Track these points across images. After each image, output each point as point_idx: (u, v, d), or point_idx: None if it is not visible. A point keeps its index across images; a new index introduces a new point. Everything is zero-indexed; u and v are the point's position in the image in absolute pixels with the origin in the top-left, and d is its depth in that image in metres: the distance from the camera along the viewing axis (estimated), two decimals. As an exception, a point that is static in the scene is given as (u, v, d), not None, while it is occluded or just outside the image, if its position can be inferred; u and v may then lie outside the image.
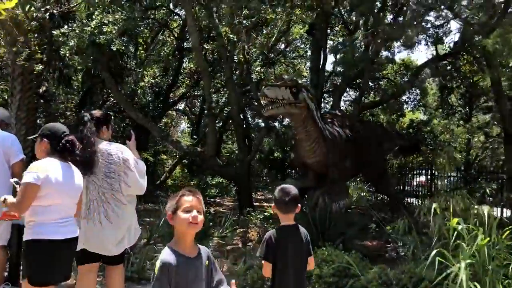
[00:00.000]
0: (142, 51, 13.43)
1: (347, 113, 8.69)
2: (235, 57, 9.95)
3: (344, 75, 11.44)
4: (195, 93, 17.15)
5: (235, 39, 8.97)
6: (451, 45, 12.64)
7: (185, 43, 13.63)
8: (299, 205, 2.62)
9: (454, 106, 13.70)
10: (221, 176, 9.91)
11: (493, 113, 12.12)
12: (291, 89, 6.26)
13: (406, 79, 15.00)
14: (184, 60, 14.22)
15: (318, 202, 6.55)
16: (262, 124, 12.92)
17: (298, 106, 6.28)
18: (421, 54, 46.68)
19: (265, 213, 8.27)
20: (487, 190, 12.12)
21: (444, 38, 13.96)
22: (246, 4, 8.42)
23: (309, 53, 14.86)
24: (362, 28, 11.52)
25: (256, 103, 10.83)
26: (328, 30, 12.07)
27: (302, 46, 16.41)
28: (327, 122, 7.11)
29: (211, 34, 11.39)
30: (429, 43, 14.60)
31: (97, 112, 3.46)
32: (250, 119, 14.99)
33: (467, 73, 13.09)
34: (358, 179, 12.37)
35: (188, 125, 21.76)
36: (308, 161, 6.94)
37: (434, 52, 15.53)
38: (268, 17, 10.44)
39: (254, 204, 9.78)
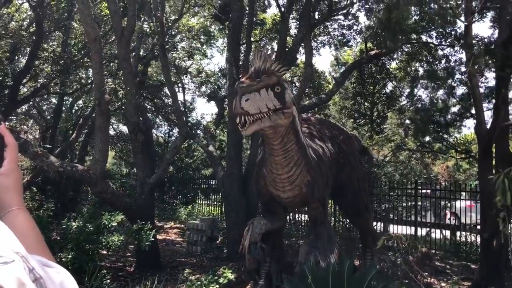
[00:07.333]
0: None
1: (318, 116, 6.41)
2: (142, 24, 6.83)
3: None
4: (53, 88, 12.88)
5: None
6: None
7: (47, 15, 9.72)
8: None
9: (366, 115, 12.82)
10: (113, 208, 6.61)
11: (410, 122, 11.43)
12: (273, 88, 3.71)
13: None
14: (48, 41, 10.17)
15: (308, 262, 4.15)
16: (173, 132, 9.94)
17: (286, 113, 3.76)
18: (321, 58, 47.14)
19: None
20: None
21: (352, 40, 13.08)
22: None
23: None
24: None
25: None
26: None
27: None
28: (304, 133, 4.78)
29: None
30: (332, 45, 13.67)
31: None
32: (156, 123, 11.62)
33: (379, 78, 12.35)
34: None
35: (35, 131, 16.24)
36: (282, 195, 4.48)
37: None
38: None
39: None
